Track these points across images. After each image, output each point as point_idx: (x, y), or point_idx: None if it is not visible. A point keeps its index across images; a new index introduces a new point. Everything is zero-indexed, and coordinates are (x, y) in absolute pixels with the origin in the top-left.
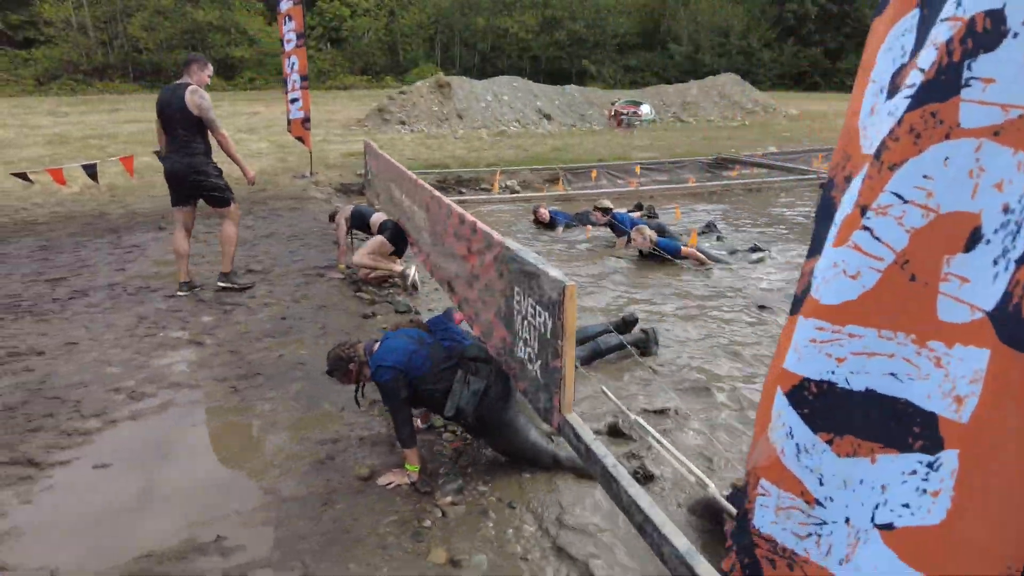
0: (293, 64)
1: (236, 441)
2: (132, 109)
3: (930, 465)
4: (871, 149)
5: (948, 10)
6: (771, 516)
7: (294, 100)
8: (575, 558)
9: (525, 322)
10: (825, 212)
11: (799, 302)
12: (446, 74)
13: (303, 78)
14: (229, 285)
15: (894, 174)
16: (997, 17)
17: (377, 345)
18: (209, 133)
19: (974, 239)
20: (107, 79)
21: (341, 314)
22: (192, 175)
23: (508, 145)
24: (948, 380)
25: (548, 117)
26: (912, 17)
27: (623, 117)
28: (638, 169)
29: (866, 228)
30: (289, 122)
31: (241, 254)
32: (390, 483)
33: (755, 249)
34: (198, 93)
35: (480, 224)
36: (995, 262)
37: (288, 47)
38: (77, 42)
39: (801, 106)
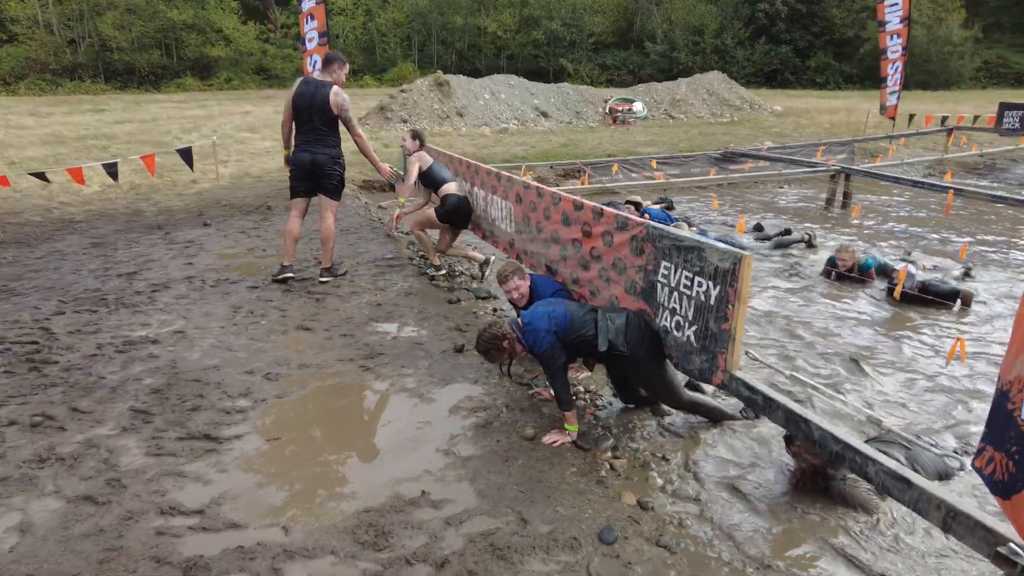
0: (316, 63)
1: (393, 412)
2: (116, 110)
3: None
4: None
5: None
6: None
7: None
8: (741, 491)
9: (674, 293)
10: None
11: None
12: (423, 73)
13: None
14: (331, 278)
15: None
16: None
17: (520, 320)
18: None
19: None
20: (77, 79)
21: (430, 300)
22: (332, 165)
23: (514, 142)
24: None
25: (545, 115)
26: None
27: (618, 114)
28: (654, 163)
29: None
30: None
31: (303, 247)
32: (555, 442)
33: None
34: (341, 94)
35: (608, 208)
36: None
37: (310, 46)
38: (44, 41)
39: (779, 102)
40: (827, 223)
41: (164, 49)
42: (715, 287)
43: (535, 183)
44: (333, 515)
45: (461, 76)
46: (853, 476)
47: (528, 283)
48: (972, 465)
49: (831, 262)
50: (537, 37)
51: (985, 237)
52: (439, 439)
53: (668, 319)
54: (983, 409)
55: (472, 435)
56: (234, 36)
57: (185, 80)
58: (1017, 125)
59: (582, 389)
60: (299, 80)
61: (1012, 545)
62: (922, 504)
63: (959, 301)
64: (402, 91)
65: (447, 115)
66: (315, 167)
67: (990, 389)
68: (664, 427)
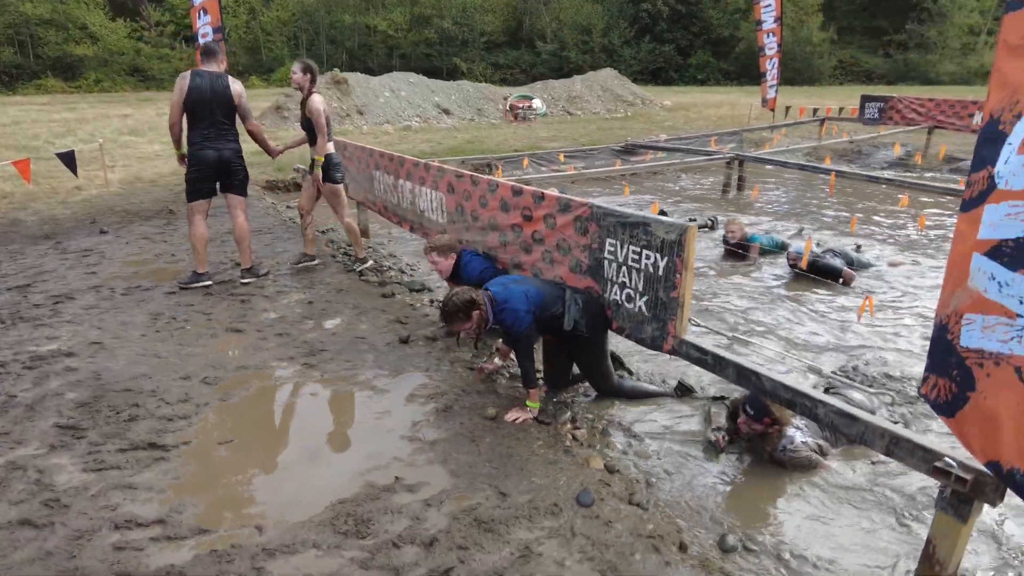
0: None
1: (347, 405)
2: None
3: None
4: None
5: None
6: (977, 334)
7: None
8: (692, 454)
9: (623, 268)
10: (990, 138)
11: (976, 201)
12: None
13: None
14: (253, 278)
15: None
16: None
17: (493, 297)
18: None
19: None
20: None
21: (363, 296)
22: (238, 160)
23: (419, 139)
24: None
25: (447, 112)
26: None
27: (519, 111)
28: (562, 157)
29: None
30: None
31: (216, 250)
32: (517, 419)
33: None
34: (238, 83)
35: (549, 191)
36: None
37: (204, 42)
38: None
39: (667, 98)
40: (730, 207)
41: (18, 47)
42: (663, 258)
43: (468, 172)
44: (307, 510)
45: (359, 74)
46: (792, 446)
47: (450, 261)
48: (919, 393)
49: (723, 239)
50: (429, 36)
51: (865, 211)
52: (402, 427)
53: (618, 293)
54: (897, 352)
55: (434, 420)
56: (102, 34)
57: (46, 81)
58: (877, 115)
59: None
60: (188, 74)
61: (947, 459)
62: (867, 436)
63: (841, 280)
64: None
65: (347, 113)
66: (221, 163)
67: (898, 336)
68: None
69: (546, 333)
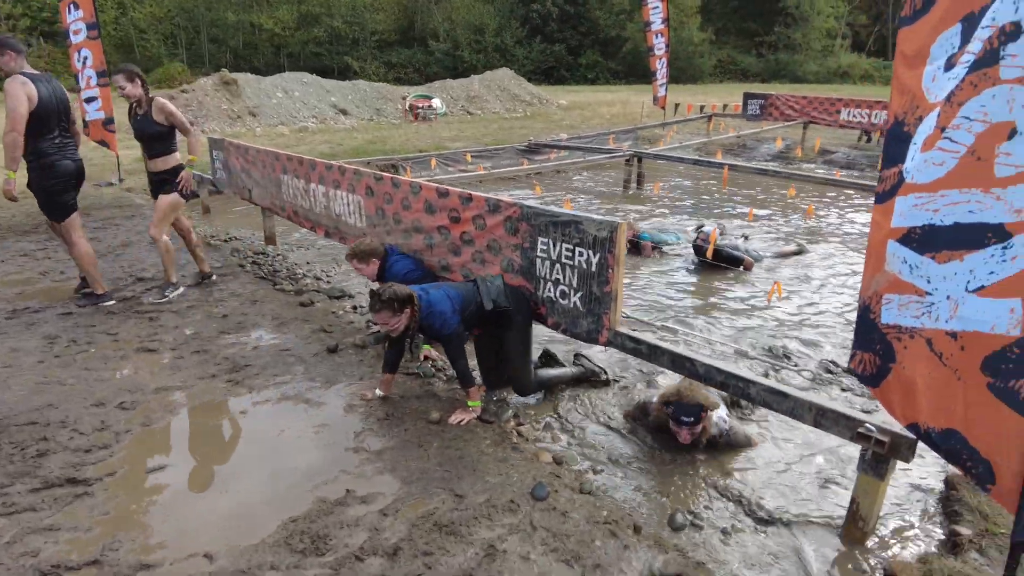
0: (86, 59)
1: (283, 421)
2: None
3: (1004, 248)
4: (938, 98)
5: (986, 22)
6: (895, 311)
7: (90, 99)
8: (632, 438)
9: (556, 265)
10: (897, 138)
11: (889, 194)
12: (195, 74)
13: (100, 74)
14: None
15: (962, 107)
16: (1016, 24)
17: (418, 297)
18: None
19: (1012, 133)
20: None
21: (280, 305)
22: (83, 169)
23: (318, 141)
24: (1007, 204)
25: (344, 112)
26: (955, 30)
27: (419, 111)
28: (468, 157)
29: (946, 138)
30: (86, 124)
31: (111, 265)
32: (461, 420)
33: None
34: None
35: (476, 192)
36: None
37: (76, 39)
38: None
39: (562, 98)
40: (633, 203)
41: None
42: (595, 255)
43: (388, 174)
44: (258, 531)
45: (250, 74)
46: (730, 429)
47: (373, 266)
48: (847, 368)
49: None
50: (318, 35)
51: (757, 202)
52: (344, 438)
53: (552, 290)
54: (809, 330)
55: (378, 429)
56: None
57: None
58: (758, 111)
59: None
60: (25, 78)
61: (868, 425)
62: (797, 410)
63: (742, 267)
64: (183, 91)
65: (238, 115)
66: (79, 174)
67: (802, 316)
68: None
69: (474, 326)
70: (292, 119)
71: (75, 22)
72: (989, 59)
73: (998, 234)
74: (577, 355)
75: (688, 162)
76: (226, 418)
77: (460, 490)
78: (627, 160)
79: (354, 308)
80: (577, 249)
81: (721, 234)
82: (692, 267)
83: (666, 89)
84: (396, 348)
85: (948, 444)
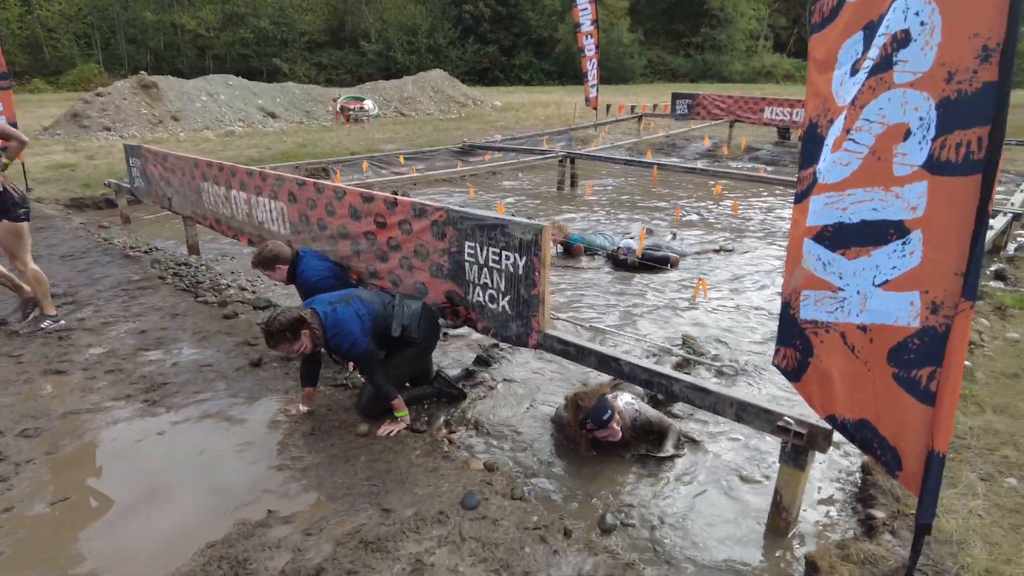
0: None
1: (203, 441)
2: None
3: (904, 243)
4: (845, 101)
5: (883, 30)
6: (812, 307)
7: None
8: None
9: (484, 270)
10: (812, 138)
11: (805, 193)
12: (112, 76)
13: (2, 76)
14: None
15: (863, 110)
16: (906, 32)
17: (324, 315)
18: None
19: (907, 134)
20: None
21: (203, 318)
22: None
23: (245, 145)
24: (905, 201)
25: (273, 115)
26: (858, 37)
27: (350, 112)
28: (402, 159)
29: (851, 139)
30: None
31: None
32: (390, 432)
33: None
34: None
35: (403, 197)
36: (919, 142)
37: None
38: None
39: (496, 99)
40: (567, 203)
41: None
42: (522, 258)
43: (311, 180)
44: (174, 559)
45: (171, 77)
46: (640, 412)
47: (281, 272)
48: (773, 364)
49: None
50: (245, 36)
51: (686, 199)
52: (268, 456)
53: (481, 294)
54: (733, 326)
55: (303, 444)
56: None
57: None
58: (686, 111)
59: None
60: None
61: (787, 418)
62: (719, 405)
63: (669, 264)
64: (99, 95)
65: (160, 120)
66: None
67: (723, 313)
68: (482, 394)
69: (381, 345)
70: (218, 123)
71: None
72: (885, 64)
73: (899, 230)
74: (437, 374)
75: (620, 162)
76: (141, 442)
77: (388, 504)
78: (560, 161)
79: None
80: (504, 253)
81: (650, 232)
82: (619, 269)
83: (597, 90)
84: (311, 361)
85: (861, 434)
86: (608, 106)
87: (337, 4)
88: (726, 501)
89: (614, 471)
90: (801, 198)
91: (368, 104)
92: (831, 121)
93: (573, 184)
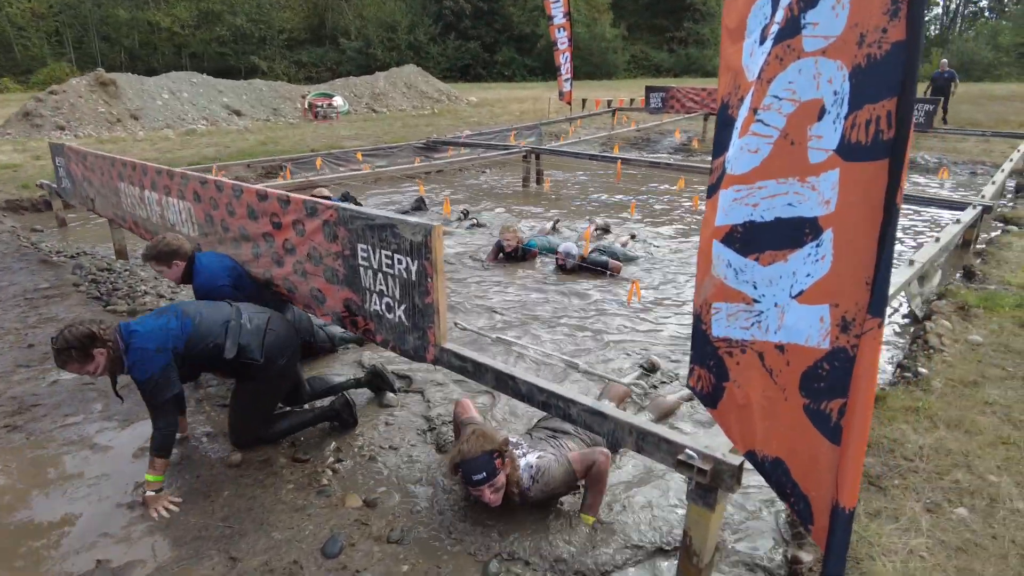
0: None
1: (53, 474)
2: None
3: (817, 245)
4: (754, 77)
5: None
6: (724, 323)
7: None
8: None
9: (379, 275)
10: (724, 123)
11: (715, 187)
12: (84, 73)
13: None
14: None
15: (771, 84)
16: None
17: (124, 329)
18: None
19: (822, 112)
20: None
21: None
22: None
23: (204, 144)
24: (820, 194)
25: (238, 113)
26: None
27: (318, 109)
28: (359, 156)
29: (759, 120)
30: None
31: None
32: (156, 511)
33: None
34: None
35: (295, 194)
36: (833, 122)
37: None
38: None
39: (474, 95)
40: (527, 200)
41: None
42: (414, 262)
43: (212, 177)
44: None
45: (131, 75)
46: (540, 473)
47: (177, 269)
48: (687, 385)
49: (499, 245)
50: (221, 34)
51: (648, 194)
52: (120, 492)
53: (378, 302)
54: (666, 335)
55: (166, 476)
56: None
57: None
58: (660, 104)
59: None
60: None
61: (688, 451)
62: (618, 432)
63: (609, 272)
64: (52, 93)
65: (118, 119)
66: None
67: (659, 321)
68: (386, 418)
69: (208, 370)
70: (180, 122)
71: None
72: (791, 29)
73: (813, 230)
74: (341, 392)
75: (584, 157)
76: None
77: (237, 551)
78: (524, 156)
79: None
80: (396, 256)
81: (603, 231)
82: (558, 275)
83: (571, 84)
84: None
85: (776, 476)
86: (584, 101)
87: (317, 1)
88: (626, 540)
89: (517, 512)
90: (711, 192)
91: (338, 101)
92: (741, 100)
93: (539, 181)
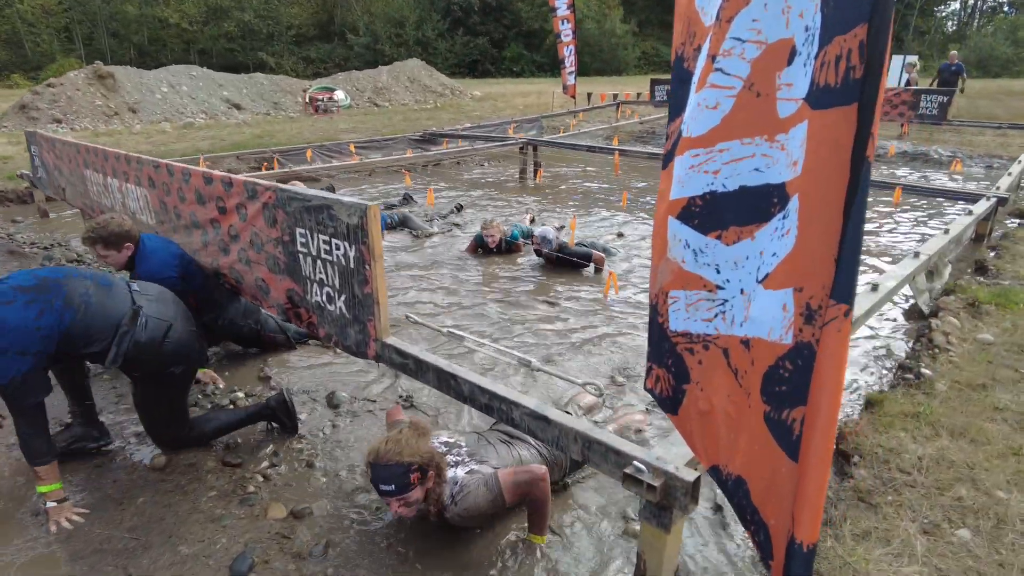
0: None
1: None
2: None
3: (784, 216)
4: (712, 20)
5: None
6: (683, 315)
7: None
8: None
9: (317, 262)
10: (680, 78)
11: (671, 155)
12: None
13: None
14: None
15: (732, 24)
16: None
17: None
18: None
19: (792, 55)
20: None
21: None
22: None
23: (200, 137)
24: (788, 155)
25: (238, 107)
26: None
27: (319, 103)
28: (352, 147)
29: (718, 69)
30: None
31: None
32: (57, 524)
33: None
34: None
35: (236, 176)
36: (804, 64)
37: None
38: None
39: (480, 89)
40: (522, 192)
41: None
42: (351, 247)
43: (165, 161)
44: None
45: (131, 68)
46: (464, 491)
47: (124, 254)
48: (644, 387)
49: (479, 239)
50: (229, 30)
51: (642, 186)
52: (27, 498)
53: (319, 293)
54: (634, 333)
55: (77, 481)
56: None
57: None
58: (665, 97)
59: (242, 395)
60: None
61: (636, 463)
62: (563, 439)
63: (592, 265)
64: (49, 86)
65: (115, 112)
66: None
67: (635, 315)
68: (334, 420)
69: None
70: (178, 115)
71: None
72: None
73: (781, 198)
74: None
75: (581, 148)
76: None
77: (136, 567)
78: (521, 148)
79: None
80: (334, 241)
81: (551, 234)
82: (539, 265)
83: (575, 78)
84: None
85: (737, 498)
86: (589, 95)
87: None
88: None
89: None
90: (666, 161)
91: (339, 95)
92: (698, 49)
93: (536, 173)
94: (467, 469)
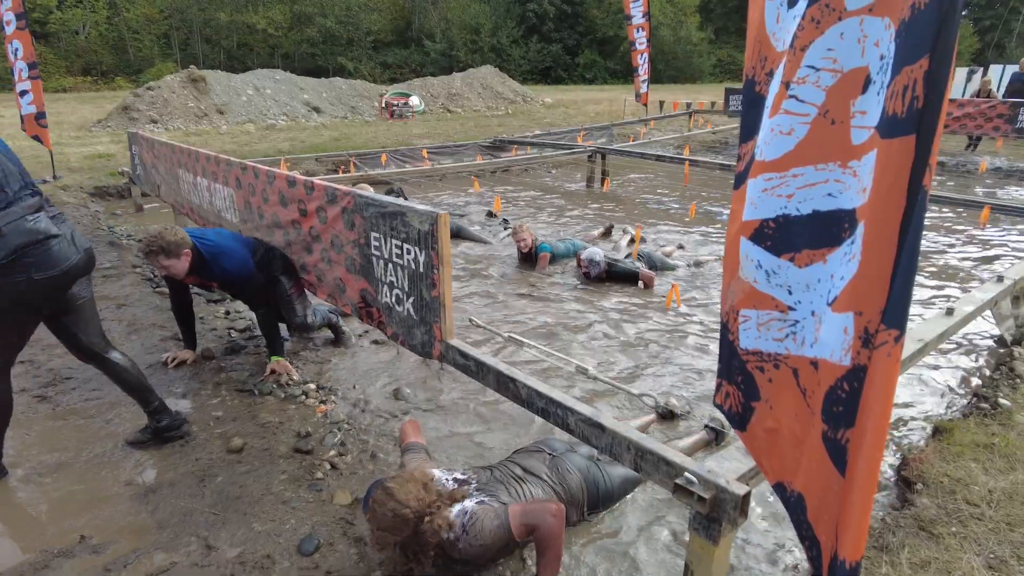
0: (17, 50)
1: (63, 447)
2: None
3: (852, 242)
4: (785, 46)
5: None
6: (754, 334)
7: (23, 93)
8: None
9: (389, 265)
10: (751, 102)
11: (743, 176)
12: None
13: (31, 66)
14: None
15: (806, 53)
16: None
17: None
18: None
19: (867, 83)
20: None
21: (148, 310)
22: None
23: (281, 138)
24: (859, 181)
25: (317, 110)
26: None
27: (395, 108)
28: (425, 153)
29: (792, 96)
30: (22, 119)
31: None
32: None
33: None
34: None
35: (317, 180)
36: (877, 92)
37: (8, 30)
38: None
39: (552, 96)
40: (589, 200)
41: None
42: (421, 252)
43: (252, 163)
44: None
45: (220, 72)
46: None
47: (185, 260)
48: (714, 403)
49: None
50: (312, 35)
51: (714, 197)
52: (122, 470)
53: (388, 294)
54: (696, 346)
55: (165, 457)
56: None
57: None
58: (739, 107)
59: (313, 387)
60: None
61: (687, 474)
62: (616, 447)
63: (641, 283)
64: (148, 89)
65: (205, 113)
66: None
67: (696, 327)
68: (398, 416)
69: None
70: (261, 117)
71: (5, 12)
72: None
73: (851, 224)
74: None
75: (650, 157)
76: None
77: (215, 540)
78: (589, 157)
79: (226, 314)
80: (405, 246)
81: (630, 243)
82: (585, 281)
83: (648, 85)
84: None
85: (796, 514)
86: (661, 103)
87: (404, 3)
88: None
89: None
90: (739, 182)
91: (414, 100)
92: (771, 73)
93: (603, 182)
94: (477, 500)
